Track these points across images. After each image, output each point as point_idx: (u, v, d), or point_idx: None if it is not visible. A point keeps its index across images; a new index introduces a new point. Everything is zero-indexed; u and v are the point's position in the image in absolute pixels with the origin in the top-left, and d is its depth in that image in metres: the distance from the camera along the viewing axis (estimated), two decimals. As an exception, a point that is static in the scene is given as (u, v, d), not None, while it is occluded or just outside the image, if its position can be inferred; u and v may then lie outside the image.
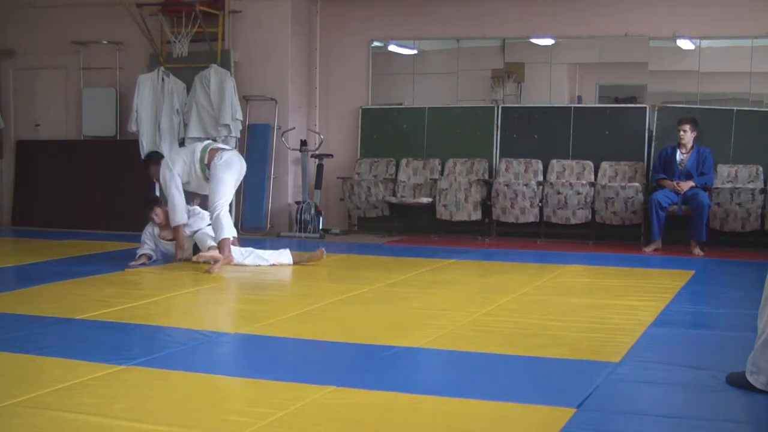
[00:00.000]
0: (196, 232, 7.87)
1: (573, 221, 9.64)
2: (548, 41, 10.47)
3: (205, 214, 7.90)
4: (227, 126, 10.18)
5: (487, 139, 10.38)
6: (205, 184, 7.86)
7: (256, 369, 4.41)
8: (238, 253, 7.76)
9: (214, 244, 7.62)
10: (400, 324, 5.43)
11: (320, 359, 4.65)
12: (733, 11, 9.60)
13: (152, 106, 10.39)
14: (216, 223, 7.61)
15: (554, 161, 10.05)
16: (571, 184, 9.61)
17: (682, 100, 9.96)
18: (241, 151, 10.61)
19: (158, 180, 8.02)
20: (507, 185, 9.81)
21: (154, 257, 7.99)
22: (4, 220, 11.70)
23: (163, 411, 3.69)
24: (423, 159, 10.56)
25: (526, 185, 9.76)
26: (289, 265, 7.87)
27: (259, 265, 7.76)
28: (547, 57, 10.55)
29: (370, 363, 4.52)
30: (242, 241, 8.91)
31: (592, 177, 9.85)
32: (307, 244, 9.78)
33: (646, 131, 9.85)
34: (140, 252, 7.94)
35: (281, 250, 7.94)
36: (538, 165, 10.09)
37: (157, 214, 7.91)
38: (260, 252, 7.85)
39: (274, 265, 7.82)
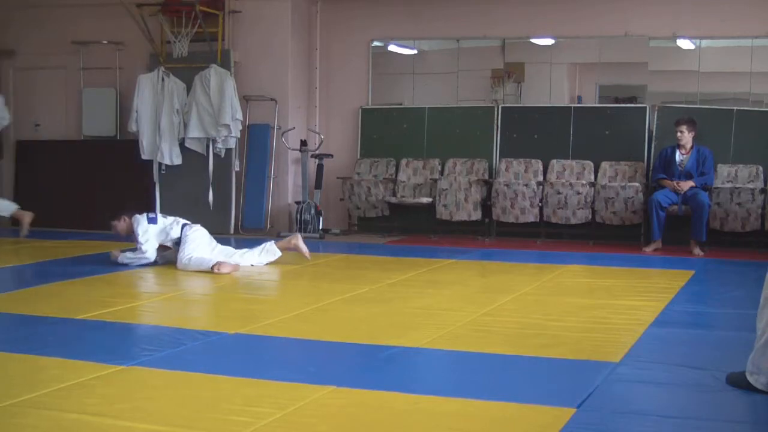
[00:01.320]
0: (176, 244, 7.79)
1: (573, 221, 9.64)
2: (548, 41, 10.47)
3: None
4: (227, 126, 10.19)
5: (487, 139, 10.38)
6: None
7: (256, 369, 4.40)
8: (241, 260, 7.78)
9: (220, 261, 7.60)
10: (400, 324, 5.43)
11: (320, 359, 4.65)
12: (733, 11, 9.59)
13: (152, 106, 10.39)
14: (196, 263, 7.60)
15: (554, 161, 10.05)
16: (571, 184, 9.61)
17: (682, 100, 9.96)
18: (241, 151, 10.63)
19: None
20: (507, 185, 9.81)
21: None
22: (4, 220, 11.69)
23: (163, 411, 3.69)
24: (423, 159, 10.56)
25: (526, 185, 9.76)
26: (275, 259, 7.88)
27: (253, 265, 7.78)
28: (547, 57, 10.55)
29: (370, 363, 4.52)
30: (242, 241, 8.92)
31: (592, 177, 9.85)
32: (307, 244, 9.76)
33: (646, 131, 9.85)
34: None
35: (267, 246, 7.89)
36: (538, 165, 10.09)
37: (113, 226, 7.88)
38: (249, 257, 7.81)
39: (268, 263, 7.84)
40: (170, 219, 7.90)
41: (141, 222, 7.75)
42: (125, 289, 6.60)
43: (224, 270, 7.39)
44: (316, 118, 11.14)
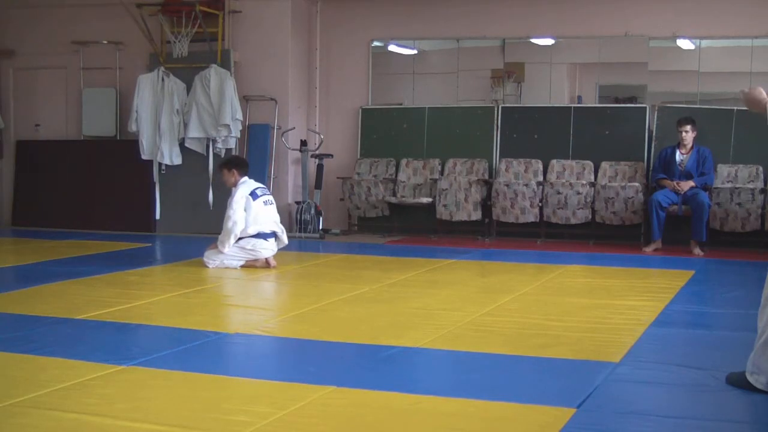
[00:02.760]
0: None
1: (573, 221, 9.64)
2: (548, 41, 10.47)
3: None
4: (227, 126, 10.18)
5: (487, 139, 10.38)
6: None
7: (256, 369, 4.41)
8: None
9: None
10: (400, 324, 5.43)
11: (320, 359, 4.65)
12: (733, 11, 9.60)
13: (152, 106, 10.39)
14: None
15: (554, 161, 10.05)
16: (571, 184, 9.61)
17: (682, 100, 9.96)
18: (241, 151, 10.63)
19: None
20: (507, 185, 9.81)
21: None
22: (4, 220, 11.70)
23: (163, 411, 3.69)
24: (423, 159, 10.56)
25: (526, 185, 9.76)
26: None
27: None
28: (547, 57, 10.55)
29: (370, 363, 4.52)
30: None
31: (592, 177, 9.85)
32: (307, 243, 9.79)
33: (646, 131, 9.85)
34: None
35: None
36: (538, 165, 10.09)
37: (223, 172, 7.96)
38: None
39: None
40: (266, 217, 7.78)
41: (244, 186, 7.77)
42: (125, 289, 6.60)
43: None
44: (316, 118, 11.14)
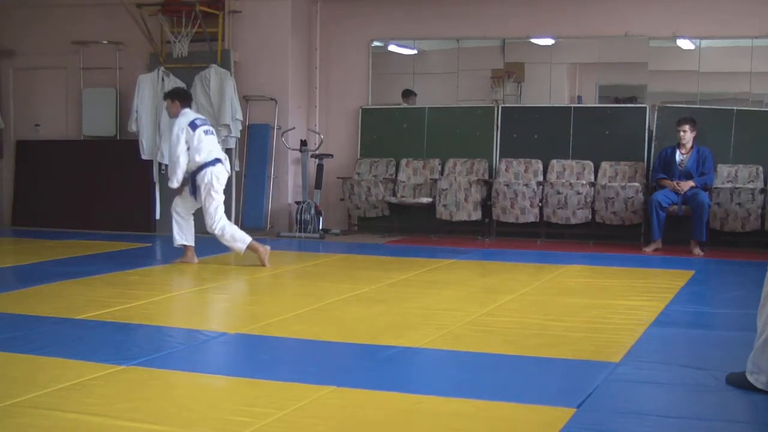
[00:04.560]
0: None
1: (573, 221, 9.64)
2: (548, 41, 10.47)
3: None
4: (227, 126, 10.18)
5: (487, 139, 10.38)
6: None
7: (256, 369, 4.40)
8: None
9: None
10: (400, 324, 5.43)
11: (320, 359, 4.65)
12: (733, 11, 9.60)
13: (152, 106, 10.38)
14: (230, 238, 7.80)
15: (554, 161, 10.05)
16: (571, 184, 9.61)
17: (682, 100, 9.96)
18: (241, 151, 10.62)
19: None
20: (507, 185, 9.81)
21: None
22: (4, 220, 11.69)
23: (163, 411, 3.69)
24: (423, 159, 10.55)
25: (526, 185, 9.76)
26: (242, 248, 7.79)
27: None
28: (547, 57, 10.55)
29: (370, 363, 4.52)
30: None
31: (592, 177, 9.85)
32: (307, 244, 9.79)
33: (646, 131, 9.85)
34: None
35: (240, 238, 7.83)
36: (538, 165, 10.08)
37: (168, 104, 8.01)
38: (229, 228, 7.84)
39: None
40: (208, 145, 7.78)
41: (183, 117, 7.78)
42: (125, 289, 6.60)
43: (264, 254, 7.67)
44: (316, 118, 11.13)
